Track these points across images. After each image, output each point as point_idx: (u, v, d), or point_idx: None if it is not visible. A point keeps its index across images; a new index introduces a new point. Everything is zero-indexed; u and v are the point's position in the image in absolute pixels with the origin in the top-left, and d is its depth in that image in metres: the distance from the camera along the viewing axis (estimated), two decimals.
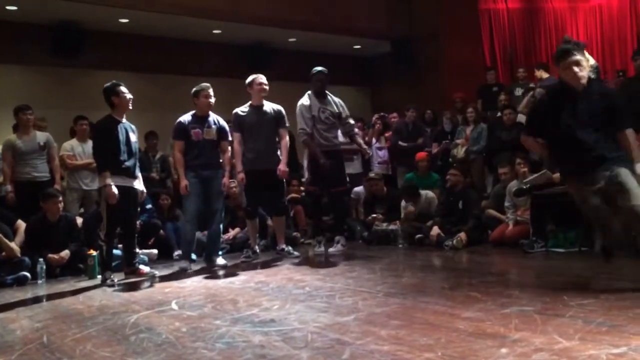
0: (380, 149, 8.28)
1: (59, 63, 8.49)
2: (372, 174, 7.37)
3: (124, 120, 4.99)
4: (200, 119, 5.37)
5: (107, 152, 4.81)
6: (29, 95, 8.15)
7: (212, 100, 5.40)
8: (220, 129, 5.45)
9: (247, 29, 9.35)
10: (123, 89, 4.93)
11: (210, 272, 5.14)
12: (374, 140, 8.22)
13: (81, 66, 8.68)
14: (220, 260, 5.45)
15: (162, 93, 8.68)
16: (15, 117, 6.14)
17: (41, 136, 6.16)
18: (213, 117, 5.47)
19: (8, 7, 7.69)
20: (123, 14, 8.41)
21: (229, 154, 5.54)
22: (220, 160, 5.46)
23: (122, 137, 4.86)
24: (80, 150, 6.54)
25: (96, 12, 8.13)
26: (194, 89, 5.43)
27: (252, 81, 5.55)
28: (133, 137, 5.02)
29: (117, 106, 4.90)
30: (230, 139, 5.54)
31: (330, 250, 5.77)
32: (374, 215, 6.87)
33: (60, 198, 5.55)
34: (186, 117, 5.41)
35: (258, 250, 5.81)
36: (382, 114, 8.63)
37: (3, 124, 6.98)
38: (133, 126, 5.13)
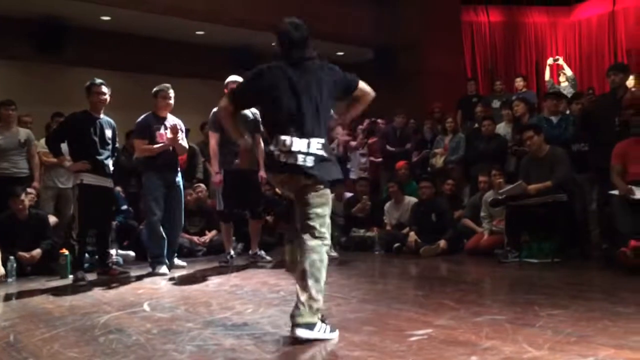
0: (363, 155, 8.33)
1: (40, 59, 8.36)
2: (362, 175, 7.58)
3: (101, 116, 4.97)
4: (161, 120, 5.30)
5: (55, 141, 5.00)
6: (9, 90, 8.02)
7: (171, 101, 5.31)
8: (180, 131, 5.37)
9: (230, 32, 9.33)
10: (97, 87, 4.90)
11: (184, 274, 5.10)
12: (359, 147, 8.31)
13: (62, 63, 8.56)
14: (179, 262, 5.47)
15: (142, 92, 8.57)
16: None
17: (22, 133, 6.07)
18: (171, 118, 5.40)
19: None
20: (105, 12, 8.33)
21: (185, 156, 5.50)
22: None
23: (96, 132, 4.86)
24: None
25: (78, 9, 8.03)
26: (154, 90, 5.34)
27: (228, 84, 5.48)
28: (108, 133, 4.99)
29: (90, 103, 4.93)
30: (184, 140, 5.47)
31: (332, 254, 5.74)
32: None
33: (23, 197, 5.41)
34: (147, 117, 5.29)
35: (233, 254, 5.77)
36: (372, 119, 8.66)
37: None
38: (112, 122, 5.09)
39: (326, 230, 2.79)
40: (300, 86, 2.81)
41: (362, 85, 3.16)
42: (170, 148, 5.22)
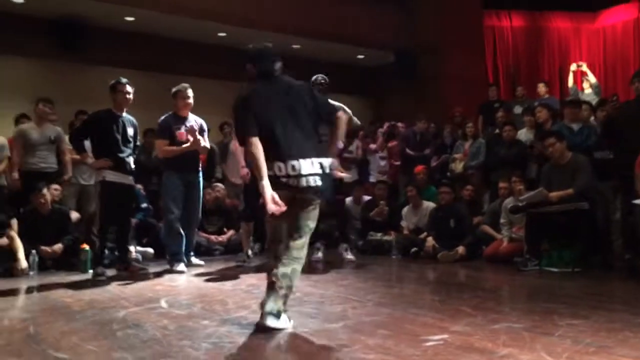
0: (382, 158, 8.31)
1: (63, 57, 8.49)
2: (381, 178, 7.67)
3: (123, 114, 5.04)
4: (182, 119, 5.35)
5: (79, 138, 5.07)
6: (32, 88, 8.17)
7: (190, 101, 5.36)
8: (201, 130, 5.41)
9: (251, 34, 9.37)
10: (122, 85, 4.97)
11: (201, 272, 5.13)
12: (379, 150, 8.30)
13: (85, 62, 8.68)
14: (196, 260, 5.51)
15: (163, 91, 8.67)
16: (35, 107, 6.15)
17: (53, 130, 6.18)
18: (193, 117, 5.44)
19: (15, 0, 7.70)
20: (129, 12, 8.43)
21: (205, 155, 5.56)
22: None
23: (118, 130, 4.92)
24: None
25: (103, 9, 8.15)
26: (173, 90, 5.40)
27: None
28: (130, 131, 5.06)
29: (113, 101, 4.99)
30: (207, 140, 5.51)
31: (349, 257, 5.77)
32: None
33: (45, 192, 5.49)
34: (168, 117, 5.34)
35: (251, 254, 5.79)
36: (392, 122, 8.64)
37: (5, 114, 6.97)
38: (134, 120, 5.16)
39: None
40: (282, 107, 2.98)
41: None
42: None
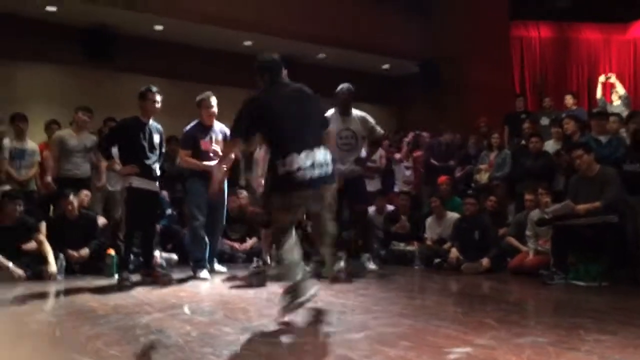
0: (407, 168, 8.27)
1: (92, 65, 8.66)
2: (404, 189, 7.70)
3: (150, 122, 5.11)
4: (207, 128, 5.40)
5: (107, 146, 5.17)
6: (62, 95, 8.38)
7: (214, 109, 5.40)
8: (226, 139, 5.44)
9: (277, 43, 9.45)
10: (152, 94, 5.04)
11: (224, 279, 5.16)
12: (403, 159, 8.27)
13: (113, 69, 8.85)
14: (219, 267, 5.54)
15: (188, 99, 8.78)
16: (74, 115, 6.30)
17: (89, 138, 6.31)
18: (218, 125, 5.48)
19: (48, 8, 7.90)
20: (158, 21, 8.57)
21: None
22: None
23: (145, 137, 4.99)
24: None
25: (132, 18, 8.31)
26: (197, 99, 5.43)
27: None
28: (156, 138, 5.12)
29: (142, 109, 5.06)
30: None
31: (371, 267, 5.74)
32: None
33: (72, 198, 5.59)
34: (193, 127, 5.40)
35: (269, 261, 5.80)
36: (417, 132, 8.60)
37: (36, 120, 7.13)
38: (160, 127, 5.23)
39: None
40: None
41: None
42: (211, 154, 5.29)
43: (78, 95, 8.36)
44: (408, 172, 8.27)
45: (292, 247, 3.27)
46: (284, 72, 3.55)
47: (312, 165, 3.19)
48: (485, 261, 5.82)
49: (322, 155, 3.27)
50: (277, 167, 3.21)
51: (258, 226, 6.24)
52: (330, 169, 3.30)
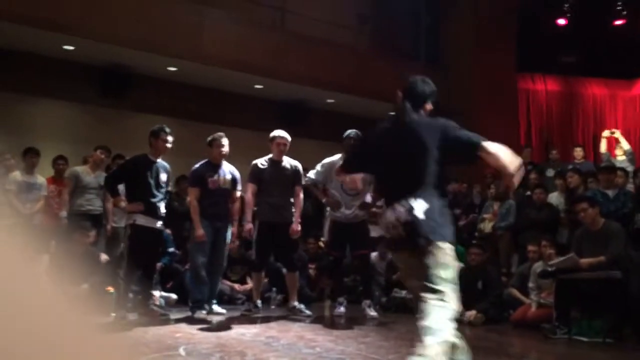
0: None
1: (104, 103, 8.84)
2: None
3: (158, 160, 5.17)
4: (215, 167, 5.47)
5: (114, 182, 5.23)
6: (72, 131, 8.52)
7: (225, 149, 5.49)
8: (233, 179, 5.52)
9: (287, 87, 9.64)
10: (165, 134, 5.12)
11: (222, 321, 5.11)
12: None
13: (125, 108, 9.01)
14: (218, 309, 5.49)
15: (197, 139, 8.91)
16: (93, 153, 6.44)
17: (102, 176, 6.40)
18: (227, 166, 5.56)
19: (65, 47, 8.12)
20: (173, 63, 8.77)
21: (238, 204, 5.61)
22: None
23: (152, 175, 5.05)
24: None
25: (148, 59, 8.50)
26: (209, 138, 5.55)
27: (274, 137, 5.63)
28: (163, 177, 5.17)
29: (153, 147, 5.12)
30: (240, 189, 5.61)
31: (372, 314, 5.67)
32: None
33: (92, 233, 5.66)
34: (202, 165, 5.48)
35: (259, 304, 5.73)
36: None
37: (46, 155, 7.23)
38: (167, 166, 5.29)
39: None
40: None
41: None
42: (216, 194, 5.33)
43: (89, 132, 8.50)
44: None
45: None
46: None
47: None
48: (473, 313, 5.70)
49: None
50: None
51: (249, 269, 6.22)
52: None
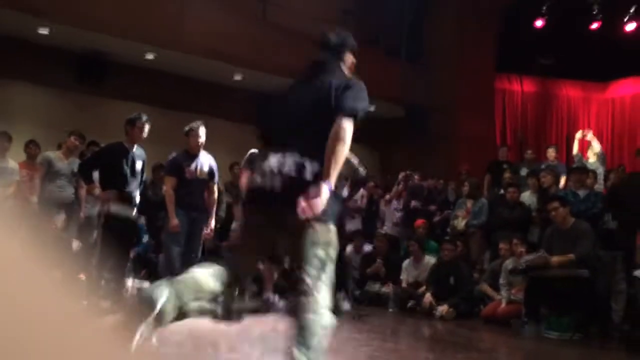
0: (397, 210, 8.23)
1: (81, 89, 8.70)
2: (382, 231, 7.66)
3: (134, 149, 5.12)
4: (193, 157, 5.43)
5: (88, 169, 5.09)
6: (47, 116, 8.37)
7: (202, 139, 5.45)
8: (211, 170, 5.47)
9: (267, 78, 9.59)
10: (142, 122, 5.06)
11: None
12: (394, 201, 8.26)
13: (101, 95, 8.88)
14: None
15: (175, 128, 8.82)
16: (67, 139, 6.29)
17: (75, 163, 6.28)
18: (205, 156, 5.51)
19: (40, 31, 7.96)
20: (150, 50, 8.67)
21: (216, 195, 5.57)
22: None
23: (127, 163, 5.00)
24: None
25: (124, 46, 8.39)
26: (186, 128, 5.49)
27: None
28: (139, 165, 5.12)
29: (129, 135, 5.06)
30: (217, 181, 5.57)
31: (345, 306, 5.69)
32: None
33: (60, 217, 5.57)
34: (180, 154, 5.40)
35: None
36: (408, 172, 8.59)
37: (18, 139, 7.09)
38: (143, 154, 5.23)
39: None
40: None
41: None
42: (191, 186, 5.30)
43: (64, 118, 8.36)
44: (398, 214, 8.24)
45: None
46: None
47: None
48: (445, 308, 5.80)
49: None
50: None
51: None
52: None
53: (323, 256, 2.11)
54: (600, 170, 7.35)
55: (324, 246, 2.11)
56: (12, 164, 6.33)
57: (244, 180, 5.51)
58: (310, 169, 2.14)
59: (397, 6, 10.96)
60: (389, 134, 11.64)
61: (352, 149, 4.56)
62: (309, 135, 2.21)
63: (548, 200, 5.78)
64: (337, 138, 2.14)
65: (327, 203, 2.06)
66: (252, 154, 5.60)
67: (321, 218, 2.08)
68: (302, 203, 2.02)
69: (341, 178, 5.18)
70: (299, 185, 2.07)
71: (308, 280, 2.08)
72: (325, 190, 2.06)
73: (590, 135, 8.37)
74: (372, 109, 11.23)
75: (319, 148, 2.13)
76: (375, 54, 10.48)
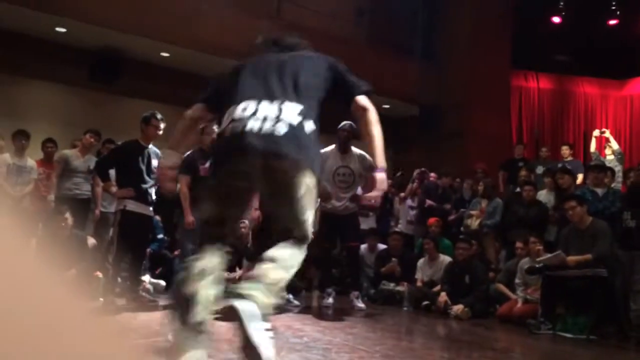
0: (412, 207, 8.20)
1: (96, 87, 8.77)
2: (397, 229, 7.64)
3: (150, 146, 5.15)
4: (207, 155, 5.41)
5: (105, 167, 5.17)
6: (64, 114, 8.45)
7: (215, 137, 5.43)
8: None
9: None
10: (157, 120, 5.09)
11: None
12: (408, 199, 8.23)
13: (117, 93, 8.94)
14: None
15: None
16: (83, 137, 6.37)
17: (92, 161, 6.35)
18: None
19: (57, 29, 8.03)
20: (165, 48, 8.71)
21: None
22: None
23: (143, 161, 5.03)
24: None
25: (140, 44, 8.45)
26: (200, 126, 5.47)
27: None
28: (155, 163, 5.15)
29: (144, 133, 5.10)
30: None
31: (359, 305, 5.70)
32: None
33: (68, 216, 5.58)
34: (193, 152, 5.42)
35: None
36: (422, 169, 8.55)
37: (36, 137, 7.16)
38: (159, 152, 5.26)
39: None
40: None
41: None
42: None
43: (80, 116, 8.43)
44: (413, 212, 8.17)
45: None
46: None
47: None
48: (460, 307, 5.76)
49: None
50: None
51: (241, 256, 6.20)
52: None
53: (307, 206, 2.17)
54: (619, 169, 7.26)
55: (308, 194, 2.12)
56: (31, 162, 6.41)
57: (184, 186, 5.33)
58: (307, 126, 2.14)
59: (412, 4, 10.91)
60: (403, 132, 11.59)
61: (364, 148, 4.50)
62: (301, 96, 2.22)
63: (565, 199, 5.72)
64: (376, 121, 2.41)
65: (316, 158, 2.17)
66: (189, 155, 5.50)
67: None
68: (375, 192, 2.26)
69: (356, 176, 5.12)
70: (298, 137, 2.05)
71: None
72: (384, 177, 2.30)
73: (608, 133, 8.28)
74: (386, 106, 11.23)
75: (311, 108, 2.22)
76: (389, 53, 10.44)
